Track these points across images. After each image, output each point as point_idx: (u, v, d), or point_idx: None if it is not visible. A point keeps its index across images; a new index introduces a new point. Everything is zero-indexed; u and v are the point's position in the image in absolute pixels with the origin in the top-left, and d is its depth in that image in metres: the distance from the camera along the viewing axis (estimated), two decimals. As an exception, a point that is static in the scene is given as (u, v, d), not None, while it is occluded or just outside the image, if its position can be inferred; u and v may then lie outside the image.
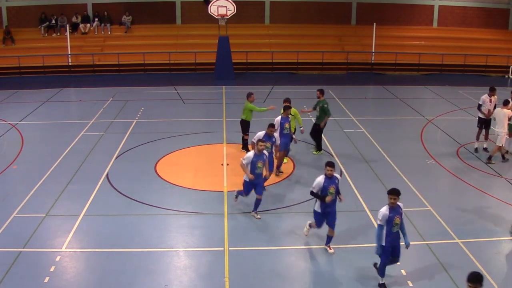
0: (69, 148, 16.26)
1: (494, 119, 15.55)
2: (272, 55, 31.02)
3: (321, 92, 15.56)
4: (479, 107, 16.33)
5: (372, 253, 9.39)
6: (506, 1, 34.63)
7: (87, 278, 9.27)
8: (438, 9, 34.42)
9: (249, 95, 15.64)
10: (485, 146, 16.41)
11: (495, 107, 16.01)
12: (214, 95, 24.64)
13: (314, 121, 16.14)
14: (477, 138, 16.35)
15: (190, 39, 32.13)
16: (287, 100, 14.51)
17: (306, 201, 12.33)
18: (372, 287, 9.06)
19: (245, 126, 15.57)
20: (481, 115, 16.28)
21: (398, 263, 9.15)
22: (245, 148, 15.53)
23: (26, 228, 10.96)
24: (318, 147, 15.91)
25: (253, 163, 11.20)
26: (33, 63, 29.36)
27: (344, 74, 30.90)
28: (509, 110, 15.19)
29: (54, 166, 14.73)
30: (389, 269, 9.08)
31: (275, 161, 13.46)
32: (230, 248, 10.24)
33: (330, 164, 9.63)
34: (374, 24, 31.55)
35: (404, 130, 19.08)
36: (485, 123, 16.31)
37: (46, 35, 31.89)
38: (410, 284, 9.07)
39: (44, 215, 11.61)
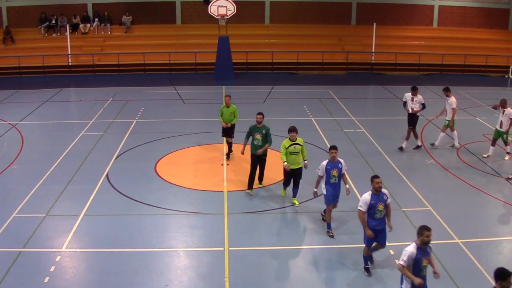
0: (69, 148, 16.26)
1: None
2: (272, 55, 31.02)
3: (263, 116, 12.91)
4: (404, 104, 16.42)
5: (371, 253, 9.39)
6: (506, 1, 34.62)
7: (87, 278, 9.28)
8: (438, 9, 34.42)
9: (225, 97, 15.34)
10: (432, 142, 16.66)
11: (424, 107, 16.12)
12: (214, 95, 24.65)
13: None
14: (416, 137, 16.48)
15: (190, 39, 32.13)
16: (293, 129, 11.65)
17: (306, 201, 12.34)
18: (372, 287, 9.07)
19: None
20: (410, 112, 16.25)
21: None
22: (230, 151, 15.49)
23: (26, 228, 10.96)
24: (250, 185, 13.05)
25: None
26: (33, 63, 29.36)
27: (344, 74, 30.90)
28: (455, 101, 16.08)
29: (54, 166, 14.73)
30: (390, 269, 9.07)
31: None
32: (230, 248, 10.24)
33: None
34: (374, 24, 31.55)
35: (404, 130, 19.05)
36: (411, 121, 16.20)
37: (46, 35, 31.89)
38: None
39: (44, 215, 11.61)
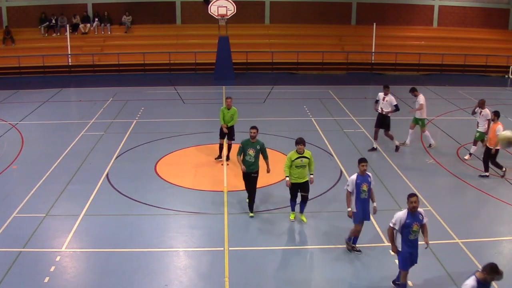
0: (69, 148, 16.26)
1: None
2: (272, 55, 31.02)
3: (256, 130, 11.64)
4: (376, 102, 16.25)
5: (371, 253, 9.39)
6: (506, 1, 34.63)
7: (87, 278, 9.27)
8: (438, 9, 34.42)
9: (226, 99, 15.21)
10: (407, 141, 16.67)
11: (397, 109, 15.81)
12: (214, 95, 24.65)
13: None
14: (392, 139, 16.25)
15: (190, 39, 32.13)
16: (300, 142, 10.75)
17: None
18: (372, 287, 9.06)
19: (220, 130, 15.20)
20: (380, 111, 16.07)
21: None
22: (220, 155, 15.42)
23: (26, 228, 10.96)
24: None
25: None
26: (33, 63, 29.37)
27: (344, 74, 30.90)
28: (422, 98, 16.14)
29: (54, 166, 14.73)
30: (390, 269, 9.05)
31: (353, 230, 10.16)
32: (230, 248, 10.24)
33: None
34: (374, 24, 31.55)
35: (404, 130, 19.04)
36: (380, 121, 16.00)
37: (46, 35, 31.89)
38: (410, 284, 9.05)
39: (44, 215, 11.61)
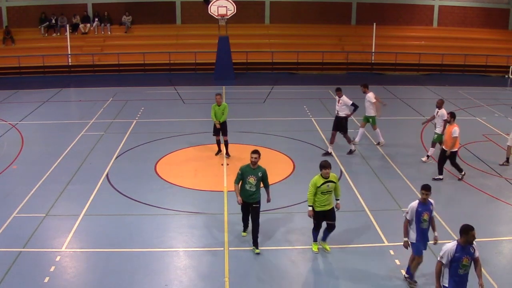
0: (69, 148, 16.26)
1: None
2: (272, 55, 31.02)
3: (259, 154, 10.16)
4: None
5: (371, 253, 9.39)
6: (506, 1, 34.63)
7: (87, 278, 9.27)
8: (438, 9, 34.43)
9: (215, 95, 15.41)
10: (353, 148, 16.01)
11: (355, 108, 15.39)
12: (214, 95, 24.58)
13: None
14: (349, 142, 15.90)
15: (190, 39, 32.13)
16: (327, 165, 9.58)
17: (306, 201, 12.32)
18: (372, 286, 9.06)
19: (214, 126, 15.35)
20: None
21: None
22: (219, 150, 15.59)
23: (26, 228, 10.96)
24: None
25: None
26: (33, 63, 29.36)
27: (344, 74, 30.90)
28: (374, 95, 16.12)
29: (54, 166, 14.73)
30: (390, 269, 9.06)
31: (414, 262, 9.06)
32: (230, 248, 10.24)
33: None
34: (374, 24, 31.55)
35: (404, 130, 19.08)
36: (337, 124, 15.58)
37: (46, 35, 31.89)
38: (410, 284, 9.06)
39: (44, 215, 11.61)
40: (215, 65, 28.71)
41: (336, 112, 15.61)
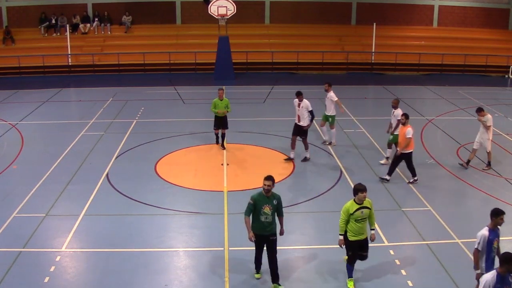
0: (69, 148, 16.26)
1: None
2: (272, 55, 31.02)
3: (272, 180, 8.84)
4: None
5: (371, 253, 9.37)
6: (506, 1, 34.63)
7: (87, 278, 9.27)
8: (438, 9, 34.42)
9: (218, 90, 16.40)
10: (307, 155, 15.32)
11: (312, 116, 14.75)
12: (214, 95, 24.51)
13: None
14: (306, 148, 15.14)
15: (190, 39, 32.13)
16: (363, 189, 8.62)
17: (306, 201, 12.34)
18: (372, 286, 9.06)
19: (214, 120, 16.14)
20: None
21: None
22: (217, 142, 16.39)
23: (26, 228, 10.96)
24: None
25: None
26: (33, 63, 29.34)
27: (344, 74, 30.89)
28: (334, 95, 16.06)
29: (54, 166, 14.73)
30: (390, 269, 9.04)
31: None
32: (230, 248, 10.24)
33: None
34: (374, 24, 31.54)
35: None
36: (297, 128, 14.93)
37: (46, 35, 31.87)
38: (410, 284, 9.06)
39: (44, 215, 11.61)
40: (215, 65, 28.71)
41: (297, 118, 14.87)
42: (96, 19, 32.49)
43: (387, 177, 13.61)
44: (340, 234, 8.81)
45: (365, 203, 8.61)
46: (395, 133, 14.44)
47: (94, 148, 16.39)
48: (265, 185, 8.66)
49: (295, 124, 15.03)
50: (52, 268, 9.45)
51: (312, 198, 12.60)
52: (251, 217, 8.82)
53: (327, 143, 16.70)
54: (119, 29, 32.83)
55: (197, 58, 30.22)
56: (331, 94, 16.32)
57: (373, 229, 8.91)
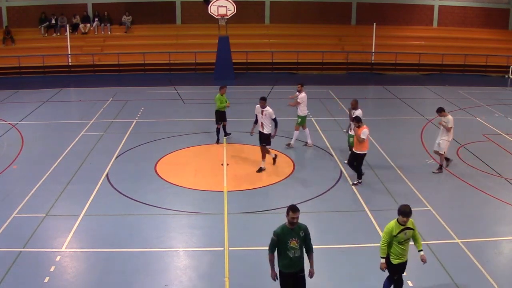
0: (69, 148, 16.26)
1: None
2: (272, 55, 31.02)
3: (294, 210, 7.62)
4: (256, 119, 14.49)
5: (371, 253, 9.38)
6: (506, 1, 34.64)
7: (87, 278, 9.27)
8: (438, 9, 34.44)
9: (221, 87, 17.00)
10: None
11: (276, 123, 14.20)
12: (214, 95, 24.52)
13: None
14: (263, 158, 14.44)
15: (190, 39, 32.13)
16: (408, 212, 7.96)
17: (306, 201, 12.33)
18: (372, 286, 9.06)
19: (216, 116, 16.74)
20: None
21: None
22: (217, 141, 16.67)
23: (26, 228, 10.95)
24: None
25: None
26: (33, 63, 29.35)
27: (344, 74, 30.90)
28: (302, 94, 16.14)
29: (54, 166, 14.73)
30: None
31: None
32: (230, 248, 10.24)
33: None
34: (374, 24, 31.55)
35: (404, 130, 19.08)
36: (263, 138, 14.27)
37: (46, 35, 31.88)
38: (410, 284, 9.06)
39: (44, 215, 11.61)
40: (215, 65, 28.71)
41: (261, 125, 14.14)
42: (96, 19, 32.50)
43: (359, 180, 13.46)
44: (382, 257, 8.16)
45: (408, 224, 8.01)
46: (352, 134, 14.14)
47: (94, 148, 16.39)
48: (291, 218, 7.46)
49: (259, 132, 14.24)
50: (52, 268, 9.45)
51: (312, 198, 12.59)
52: (275, 254, 7.76)
53: (288, 144, 16.38)
54: (119, 29, 32.84)
55: (197, 58, 30.22)
56: (303, 96, 16.21)
57: (421, 251, 8.23)
